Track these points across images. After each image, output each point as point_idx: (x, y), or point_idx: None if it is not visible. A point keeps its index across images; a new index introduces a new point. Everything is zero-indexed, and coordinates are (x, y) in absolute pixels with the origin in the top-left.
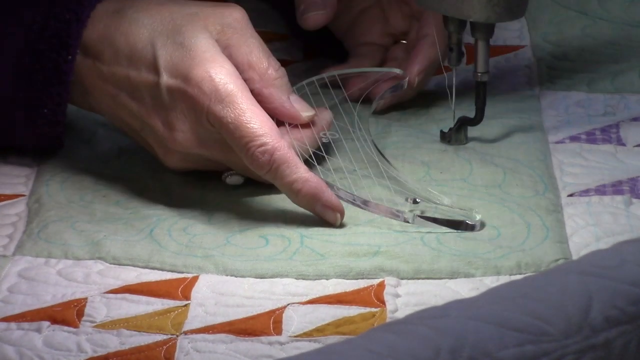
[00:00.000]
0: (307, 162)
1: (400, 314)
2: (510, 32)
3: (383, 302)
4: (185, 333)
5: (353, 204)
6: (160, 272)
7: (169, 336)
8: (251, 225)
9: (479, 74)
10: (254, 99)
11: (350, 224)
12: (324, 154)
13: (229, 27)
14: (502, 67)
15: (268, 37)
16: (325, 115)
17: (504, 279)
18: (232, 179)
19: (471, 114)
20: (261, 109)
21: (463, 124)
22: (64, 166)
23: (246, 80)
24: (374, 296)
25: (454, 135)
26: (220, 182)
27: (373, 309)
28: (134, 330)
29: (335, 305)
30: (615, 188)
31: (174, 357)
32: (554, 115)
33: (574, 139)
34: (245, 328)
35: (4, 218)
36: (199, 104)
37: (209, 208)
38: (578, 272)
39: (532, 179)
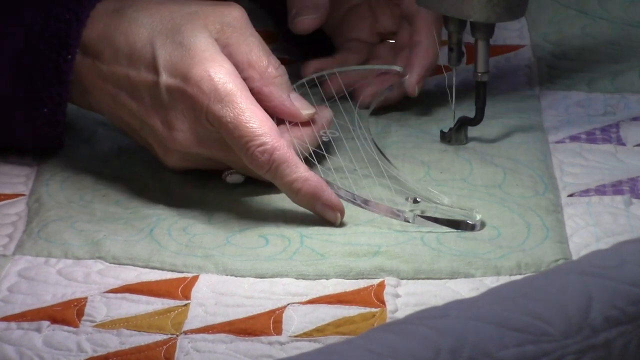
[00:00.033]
0: (308, 161)
1: (400, 314)
2: (510, 31)
3: (383, 302)
4: (185, 333)
5: (353, 203)
6: (160, 271)
7: (169, 336)
8: (251, 225)
9: (479, 74)
10: (253, 99)
11: (351, 223)
12: (324, 153)
13: (228, 26)
14: (502, 67)
15: (268, 36)
16: (326, 114)
17: (504, 279)
18: (233, 178)
19: (471, 114)
20: (261, 108)
21: (463, 124)
22: (63, 166)
23: (246, 79)
24: (374, 296)
25: (454, 135)
26: (220, 182)
27: (373, 309)
28: (134, 330)
29: (335, 305)
30: (615, 188)
31: (174, 357)
32: (554, 115)
33: (574, 138)
34: (245, 328)
35: (4, 217)
36: (198, 104)
37: (209, 208)
38: (578, 272)
39: (532, 179)
